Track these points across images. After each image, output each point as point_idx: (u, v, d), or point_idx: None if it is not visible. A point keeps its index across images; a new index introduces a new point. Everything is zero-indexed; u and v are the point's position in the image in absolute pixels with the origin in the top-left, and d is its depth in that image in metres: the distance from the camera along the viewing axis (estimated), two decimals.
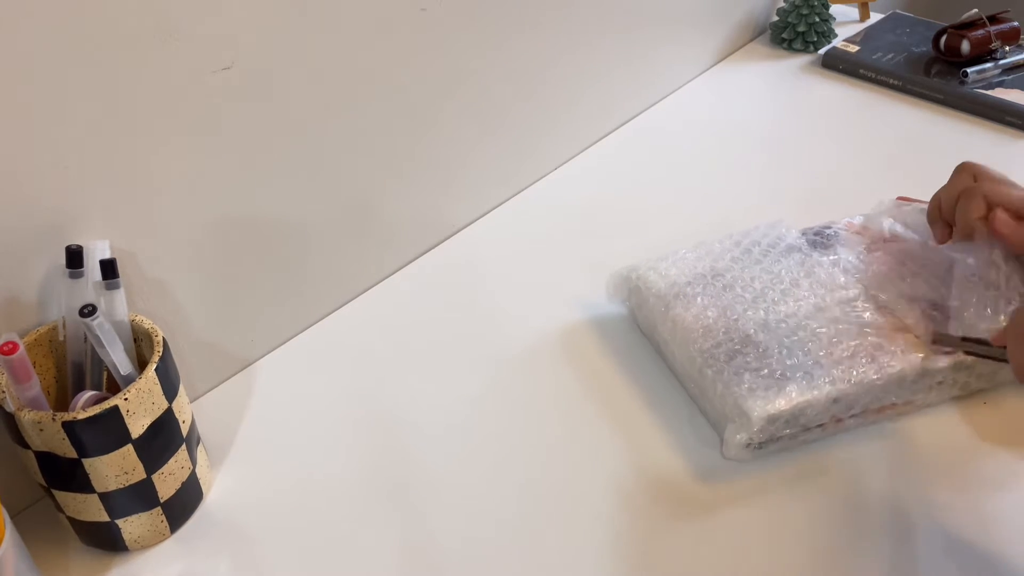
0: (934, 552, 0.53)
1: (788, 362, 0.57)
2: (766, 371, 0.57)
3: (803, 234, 0.69)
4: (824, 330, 0.59)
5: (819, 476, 0.57)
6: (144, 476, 0.50)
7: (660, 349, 0.65)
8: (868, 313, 0.61)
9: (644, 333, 0.68)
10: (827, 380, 0.56)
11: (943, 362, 0.58)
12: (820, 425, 0.58)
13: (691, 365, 0.60)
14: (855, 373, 0.56)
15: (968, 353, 0.57)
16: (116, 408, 0.46)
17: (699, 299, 0.62)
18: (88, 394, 0.50)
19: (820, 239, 0.68)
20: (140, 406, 0.48)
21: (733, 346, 0.59)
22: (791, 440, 0.57)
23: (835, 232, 0.68)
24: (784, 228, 0.69)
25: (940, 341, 0.58)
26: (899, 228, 0.66)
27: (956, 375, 0.60)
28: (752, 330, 0.60)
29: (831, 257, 0.66)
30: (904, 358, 0.58)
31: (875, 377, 0.56)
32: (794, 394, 0.55)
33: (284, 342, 0.68)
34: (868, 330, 0.59)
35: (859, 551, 0.53)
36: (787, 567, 0.52)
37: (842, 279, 0.63)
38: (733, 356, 0.58)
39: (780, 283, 0.63)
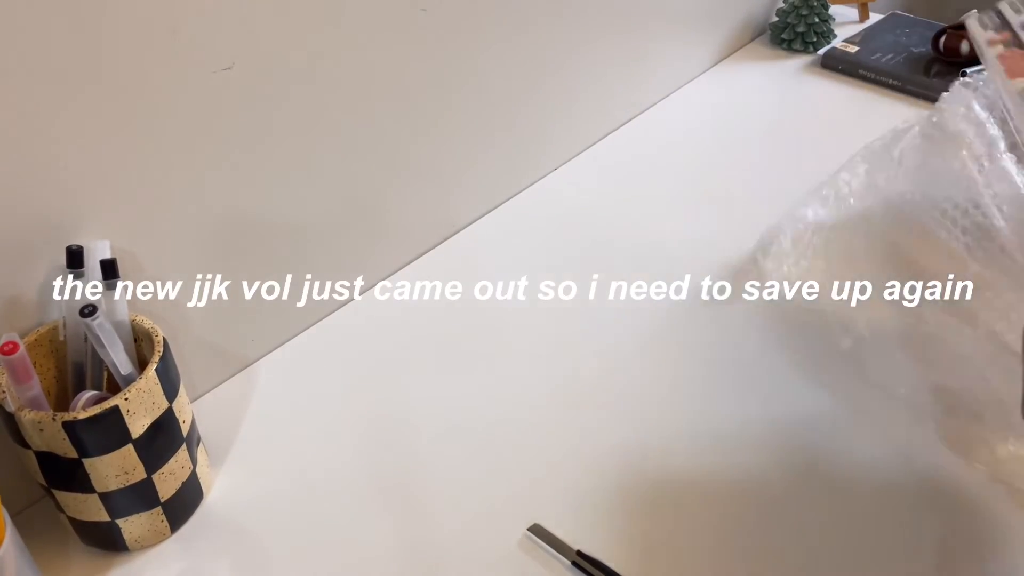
0: None
1: None
2: None
3: None
4: None
5: None
6: (144, 476, 0.50)
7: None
8: None
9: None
10: None
11: None
12: None
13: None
14: None
15: None
16: (116, 408, 0.46)
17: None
18: (88, 394, 0.50)
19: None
20: (140, 406, 0.48)
21: None
22: None
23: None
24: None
25: None
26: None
27: None
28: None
29: None
30: None
31: None
32: None
33: (284, 342, 0.68)
34: None
35: None
36: None
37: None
38: None
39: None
